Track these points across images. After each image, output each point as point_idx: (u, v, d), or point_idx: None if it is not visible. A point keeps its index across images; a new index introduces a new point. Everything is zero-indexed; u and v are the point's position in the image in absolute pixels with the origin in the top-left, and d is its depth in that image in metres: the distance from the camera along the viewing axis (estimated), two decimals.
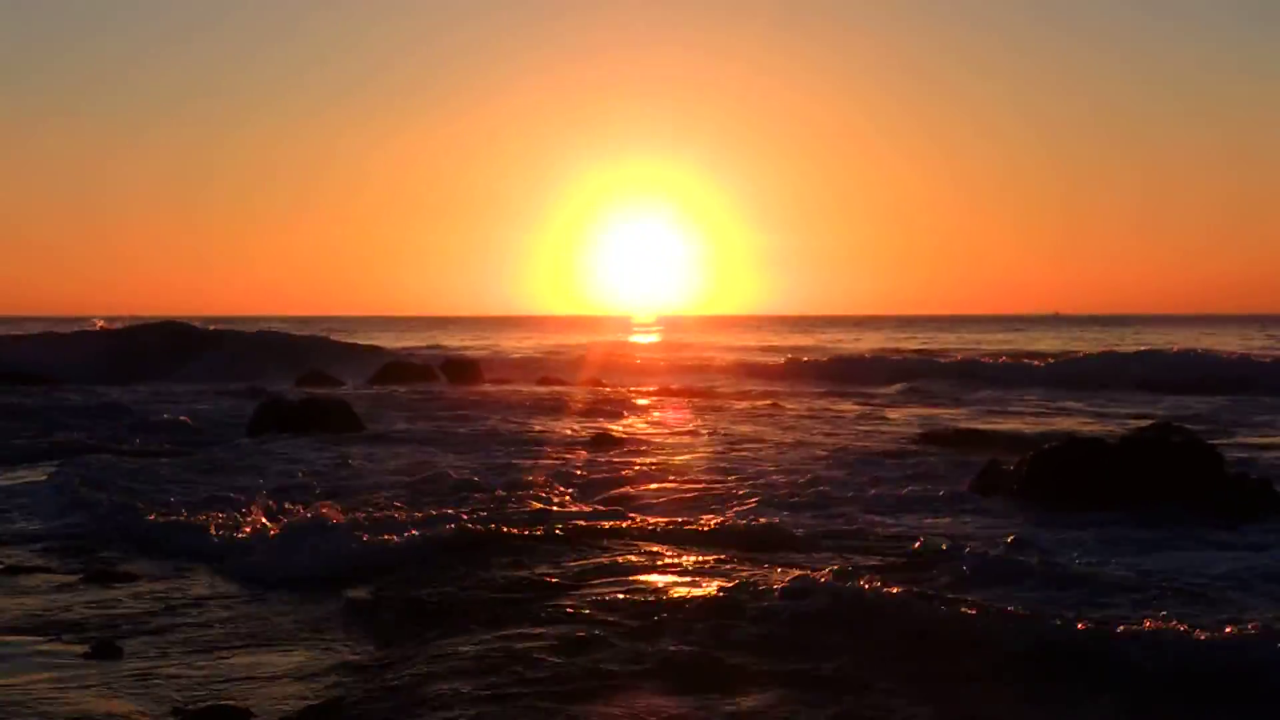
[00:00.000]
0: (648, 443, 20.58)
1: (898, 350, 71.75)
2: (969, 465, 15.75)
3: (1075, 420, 26.16)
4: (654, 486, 14.97)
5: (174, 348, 48.30)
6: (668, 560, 10.21)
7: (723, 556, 10.39)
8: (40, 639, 8.47)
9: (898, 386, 38.90)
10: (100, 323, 53.97)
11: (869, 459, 17.70)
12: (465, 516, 12.11)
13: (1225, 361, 44.49)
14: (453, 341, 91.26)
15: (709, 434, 22.28)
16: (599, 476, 15.89)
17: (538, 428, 23.36)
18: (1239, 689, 6.80)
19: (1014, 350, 66.47)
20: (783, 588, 8.52)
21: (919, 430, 22.38)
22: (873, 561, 10.30)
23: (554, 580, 9.46)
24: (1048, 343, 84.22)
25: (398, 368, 43.26)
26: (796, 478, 15.37)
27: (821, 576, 8.68)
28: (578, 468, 16.81)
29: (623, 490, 14.73)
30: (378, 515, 12.27)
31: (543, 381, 40.20)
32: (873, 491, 14.49)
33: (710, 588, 8.91)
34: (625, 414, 27.20)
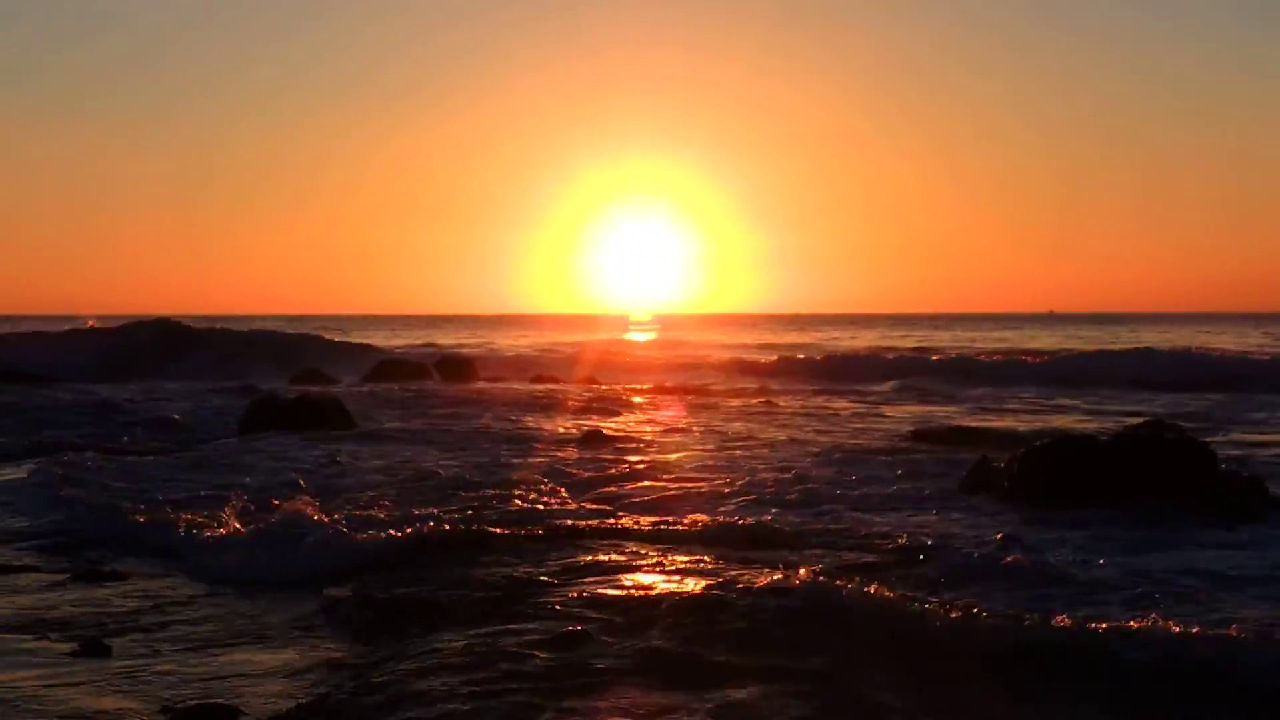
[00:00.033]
0: (640, 441, 20.55)
1: (892, 348, 71.72)
2: (960, 463, 15.72)
3: (1069, 418, 26.11)
4: (644, 484, 14.95)
5: (165, 346, 48.19)
6: (655, 558, 10.20)
7: (711, 554, 10.40)
8: (28, 637, 8.48)
9: (891, 384, 38.87)
10: (91, 321, 53.89)
11: (861, 456, 17.68)
12: (454, 515, 12.11)
13: (1220, 359, 44.53)
14: (447, 339, 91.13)
15: (701, 432, 22.26)
16: (590, 474, 15.86)
17: (530, 426, 23.33)
18: (1226, 688, 6.79)
19: (1008, 348, 66.45)
20: (768, 585, 8.49)
21: (911, 428, 22.36)
22: (860, 559, 10.31)
23: (541, 578, 9.46)
24: (1042, 340, 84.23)
25: (391, 365, 43.15)
26: (787, 475, 15.36)
27: (807, 575, 8.66)
28: (569, 466, 16.78)
29: (613, 488, 14.70)
30: (364, 513, 12.30)
31: (537, 380, 40.14)
32: (863, 489, 14.48)
33: (697, 585, 8.89)
34: (618, 412, 27.17)
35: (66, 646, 8.20)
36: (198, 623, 8.94)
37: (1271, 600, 8.94)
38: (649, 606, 8.38)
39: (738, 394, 33.77)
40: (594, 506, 13.24)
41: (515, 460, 17.51)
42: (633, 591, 8.87)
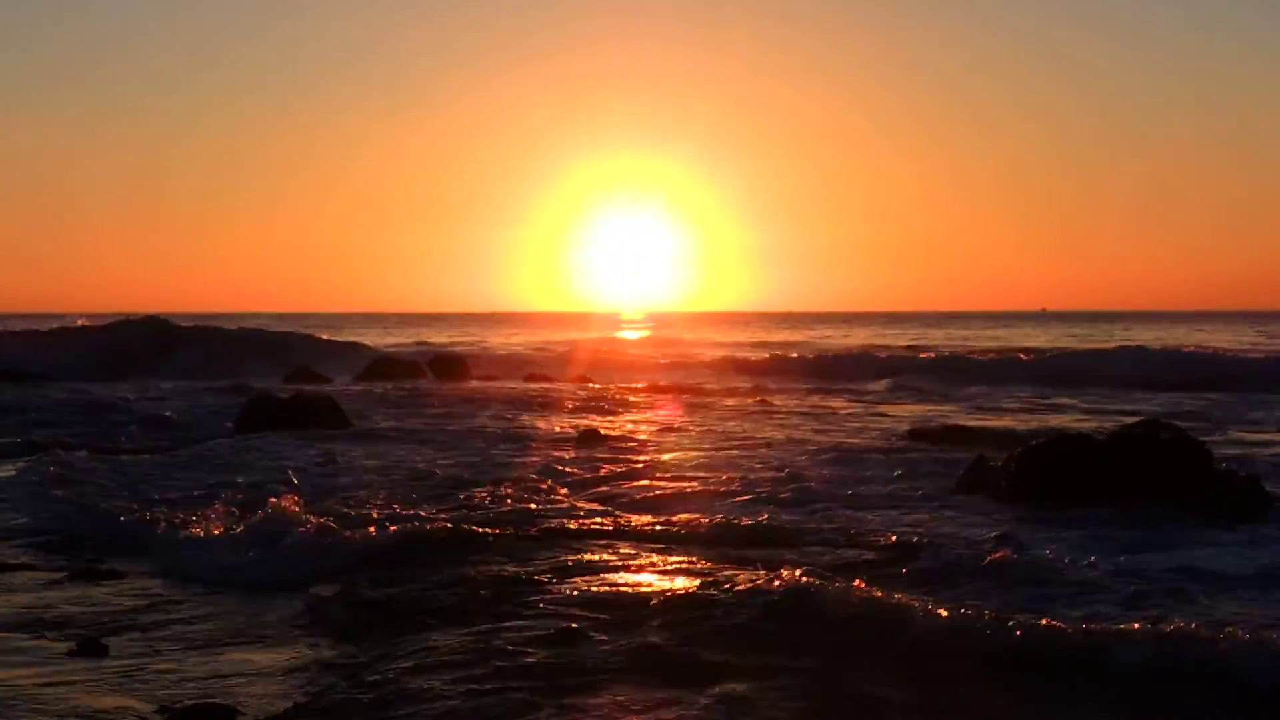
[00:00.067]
0: (635, 440, 20.53)
1: (886, 346, 71.73)
2: (956, 462, 15.70)
3: (1065, 417, 26.09)
4: (640, 484, 14.93)
5: (156, 344, 48.08)
6: (650, 557, 10.21)
7: (707, 553, 10.41)
8: (25, 636, 8.48)
9: (886, 382, 38.84)
10: (81, 320, 53.73)
11: (857, 455, 17.65)
12: (449, 514, 12.09)
13: (1217, 358, 44.46)
14: (439, 338, 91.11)
15: (697, 431, 22.27)
16: (585, 474, 15.85)
17: (524, 425, 23.32)
18: (1222, 689, 6.77)
19: (1003, 346, 66.48)
20: (762, 584, 8.50)
21: (907, 426, 22.34)
22: (856, 558, 10.31)
23: (535, 577, 9.45)
24: (1037, 339, 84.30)
25: (385, 364, 43.13)
26: (783, 474, 15.33)
27: (799, 574, 8.64)
28: (565, 465, 16.75)
29: (609, 488, 14.68)
30: (358, 512, 12.28)
31: (530, 378, 40.14)
32: (859, 488, 14.46)
33: (692, 584, 8.90)
34: (613, 411, 27.15)
35: (63, 645, 8.19)
36: (193, 622, 8.93)
37: (1269, 601, 8.92)
38: (644, 605, 8.38)
39: (732, 393, 33.75)
40: (590, 506, 13.22)
41: (511, 460, 17.50)
42: (627, 590, 8.87)
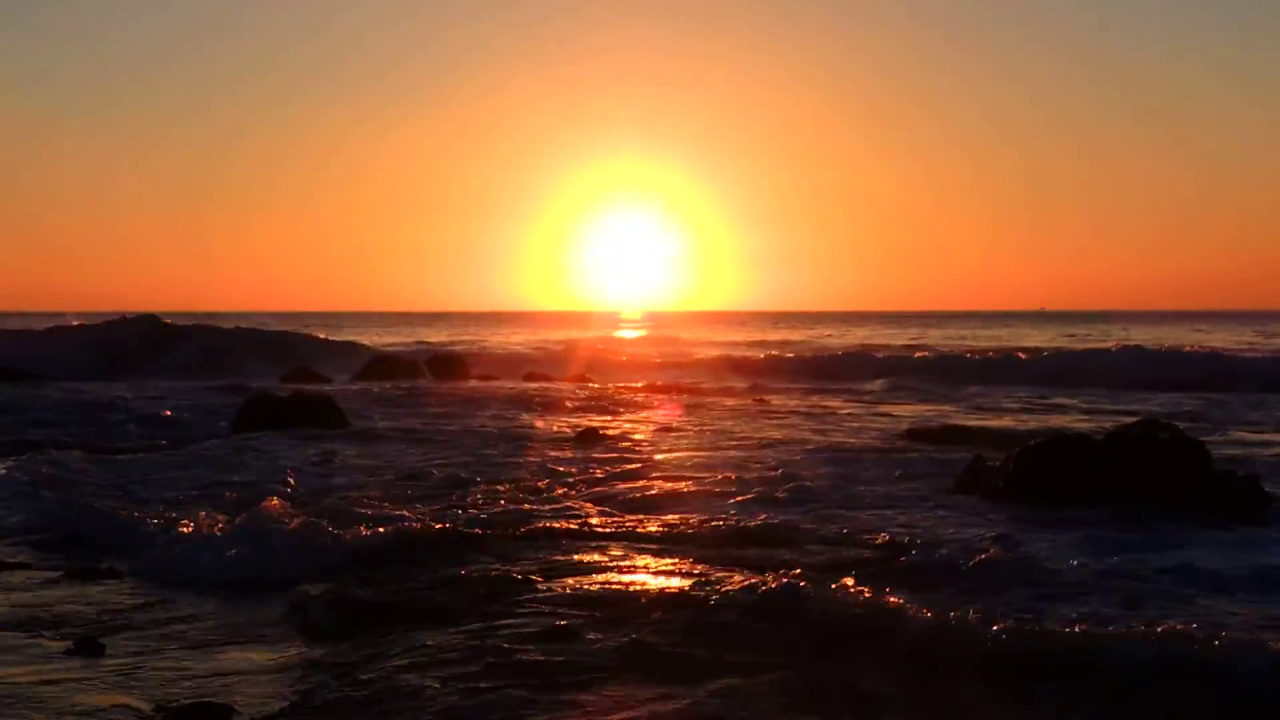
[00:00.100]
0: (632, 439, 20.51)
1: (883, 345, 71.68)
2: (955, 462, 15.68)
3: (1064, 417, 26.04)
4: (639, 484, 14.89)
5: (152, 343, 47.96)
6: (645, 557, 10.20)
7: (702, 553, 10.40)
8: (21, 635, 8.48)
9: (883, 382, 38.79)
10: (77, 321, 53.60)
11: (853, 455, 17.63)
12: (445, 514, 12.08)
13: (1215, 358, 44.37)
14: (439, 337, 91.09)
15: (695, 430, 22.22)
16: (582, 473, 15.84)
17: (522, 424, 23.30)
18: (1216, 690, 6.74)
19: (1001, 346, 66.42)
20: (754, 583, 8.50)
21: (904, 426, 22.31)
22: (850, 557, 10.28)
23: (529, 576, 9.41)
24: (1035, 339, 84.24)
25: (383, 363, 43.08)
26: (779, 474, 15.30)
27: (792, 574, 8.65)
28: (563, 465, 16.74)
29: (605, 488, 14.65)
30: (355, 512, 12.28)
31: (529, 377, 40.11)
32: (857, 488, 14.44)
33: (686, 583, 8.90)
34: (612, 410, 27.10)
35: (60, 644, 8.19)
36: (189, 621, 8.92)
37: (1266, 602, 8.90)
38: (638, 603, 8.38)
39: (730, 392, 33.73)
40: (587, 506, 13.22)
41: (509, 460, 17.47)
42: (621, 589, 8.86)
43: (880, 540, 10.92)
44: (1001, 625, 7.49)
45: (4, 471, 15.53)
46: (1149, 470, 13.06)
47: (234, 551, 10.60)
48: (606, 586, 8.97)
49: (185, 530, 11.27)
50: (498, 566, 9.74)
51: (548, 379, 39.11)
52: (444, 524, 11.44)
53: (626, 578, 9.33)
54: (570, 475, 15.64)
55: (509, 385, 35.93)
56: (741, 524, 11.68)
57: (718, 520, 11.94)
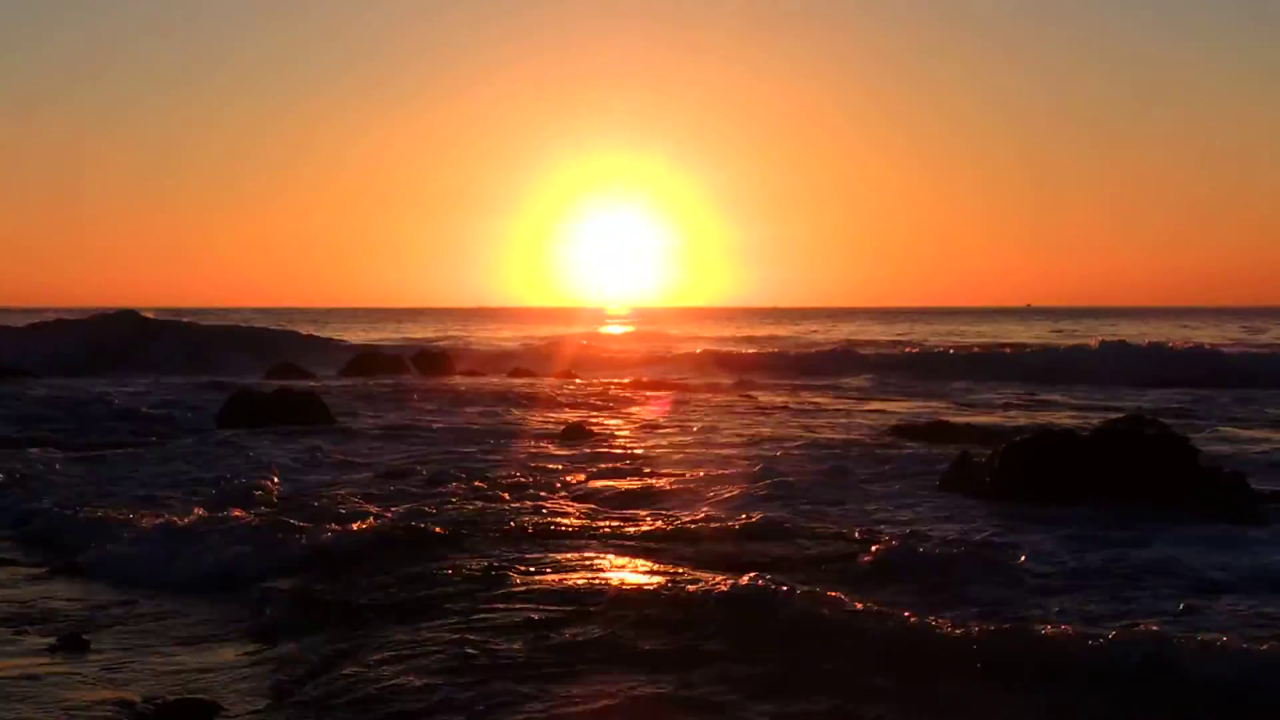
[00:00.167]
0: (618, 435, 20.51)
1: (871, 342, 71.79)
2: (942, 458, 15.65)
3: (1052, 413, 26.03)
4: (621, 480, 14.89)
5: (134, 340, 47.83)
6: (623, 553, 10.17)
7: (680, 549, 10.40)
8: (6, 631, 8.51)
9: (871, 378, 38.81)
10: (52, 318, 53.40)
11: (839, 451, 17.59)
12: (428, 510, 12.06)
13: (1202, 354, 44.36)
14: (423, 333, 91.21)
15: (680, 426, 22.21)
16: (566, 469, 15.82)
17: (507, 420, 23.29)
18: (1191, 692, 6.63)
19: (989, 342, 66.58)
20: (733, 581, 8.48)
21: (892, 423, 22.26)
22: (830, 555, 10.23)
23: (505, 573, 9.32)
24: (1023, 335, 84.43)
25: (368, 360, 43.05)
26: (764, 471, 15.24)
27: (760, 576, 8.60)
28: (545, 461, 16.72)
29: (589, 484, 14.64)
30: (337, 509, 12.29)
31: (514, 373, 40.09)
32: (841, 484, 14.43)
33: (662, 579, 8.87)
34: (596, 406, 27.10)
35: (45, 641, 8.21)
36: (170, 617, 8.94)
37: (1249, 601, 8.84)
38: (618, 599, 8.35)
39: (717, 388, 33.72)
40: (569, 501, 13.21)
41: (493, 456, 17.44)
42: (603, 585, 8.82)
43: (864, 537, 10.85)
44: (980, 625, 7.45)
45: None
46: (1135, 467, 13.03)
47: (208, 548, 10.56)
48: (587, 582, 8.91)
49: (159, 527, 11.22)
50: (476, 563, 9.67)
51: (533, 375, 39.11)
52: (422, 521, 11.40)
53: (607, 575, 9.28)
54: (555, 471, 15.60)
55: (494, 381, 35.92)
56: (726, 521, 11.62)
57: (701, 517, 11.91)
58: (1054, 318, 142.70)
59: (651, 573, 9.25)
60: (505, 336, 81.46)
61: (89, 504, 12.89)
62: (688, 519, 11.75)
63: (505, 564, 9.58)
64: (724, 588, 8.33)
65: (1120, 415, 16.47)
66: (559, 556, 9.92)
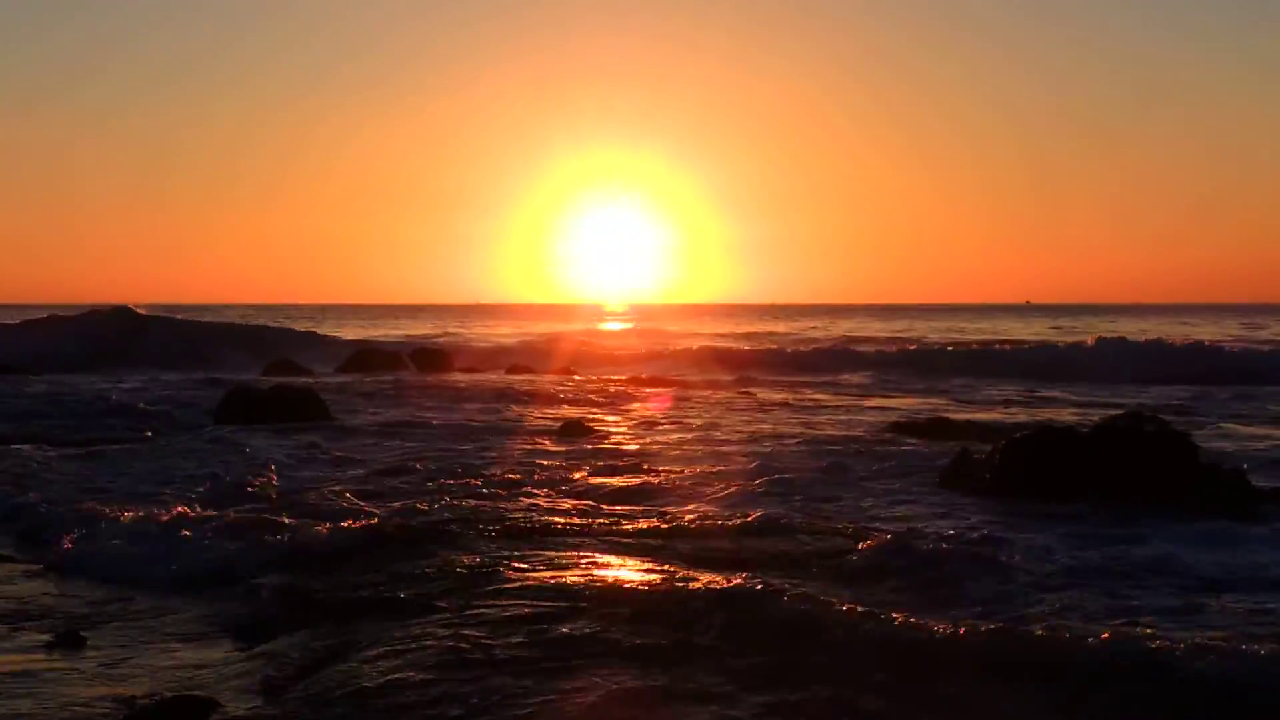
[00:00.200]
0: (616, 433, 20.48)
1: (870, 339, 71.79)
2: (942, 455, 15.61)
3: (1052, 410, 26.01)
4: (618, 478, 14.85)
5: (129, 335, 47.76)
6: (619, 550, 10.14)
7: (676, 547, 10.36)
8: (4, 627, 8.54)
9: (871, 375, 38.77)
10: (45, 314, 53.34)
11: (838, 448, 17.55)
12: (421, 507, 12.01)
13: (1201, 350, 44.34)
14: (421, 329, 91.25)
15: (679, 423, 22.16)
16: (563, 466, 15.78)
17: (505, 417, 23.24)
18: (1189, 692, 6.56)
19: (988, 339, 66.55)
20: (726, 579, 8.48)
21: (891, 419, 22.19)
22: (830, 552, 10.20)
23: (500, 570, 9.29)
24: (1022, 331, 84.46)
25: (366, 356, 43.01)
26: (764, 468, 15.25)
27: (753, 576, 8.59)
28: (545, 458, 16.68)
29: (586, 481, 14.61)
30: (333, 506, 12.29)
31: (512, 370, 40.01)
32: (840, 482, 14.43)
33: (657, 577, 8.85)
34: (596, 403, 27.05)
35: (42, 637, 8.23)
36: (167, 614, 8.94)
37: (1246, 599, 8.80)
38: (617, 595, 8.33)
39: (715, 385, 33.65)
40: (565, 499, 13.16)
41: (491, 453, 17.41)
42: (600, 581, 8.81)
43: (862, 534, 10.80)
44: (977, 624, 7.43)
45: None
46: (1135, 464, 13.01)
47: (204, 545, 10.56)
48: (584, 579, 8.89)
49: (149, 524, 11.23)
50: (473, 559, 9.65)
51: (531, 372, 39.05)
52: (418, 518, 11.40)
53: (604, 571, 9.25)
54: (553, 468, 15.55)
55: (492, 378, 35.87)
56: (724, 518, 11.61)
57: (700, 514, 11.89)
58: (1053, 314, 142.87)
59: (649, 570, 9.22)
60: (503, 333, 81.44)
61: (84, 501, 12.84)
62: (686, 516, 11.73)
63: (502, 560, 9.55)
64: (720, 584, 8.32)
65: (1121, 412, 16.44)
66: (555, 553, 9.90)
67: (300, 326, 69.59)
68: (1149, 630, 7.33)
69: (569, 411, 24.16)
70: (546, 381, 33.85)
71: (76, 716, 6.67)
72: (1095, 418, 18.15)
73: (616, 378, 35.66)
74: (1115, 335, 48.25)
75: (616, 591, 8.42)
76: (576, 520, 11.54)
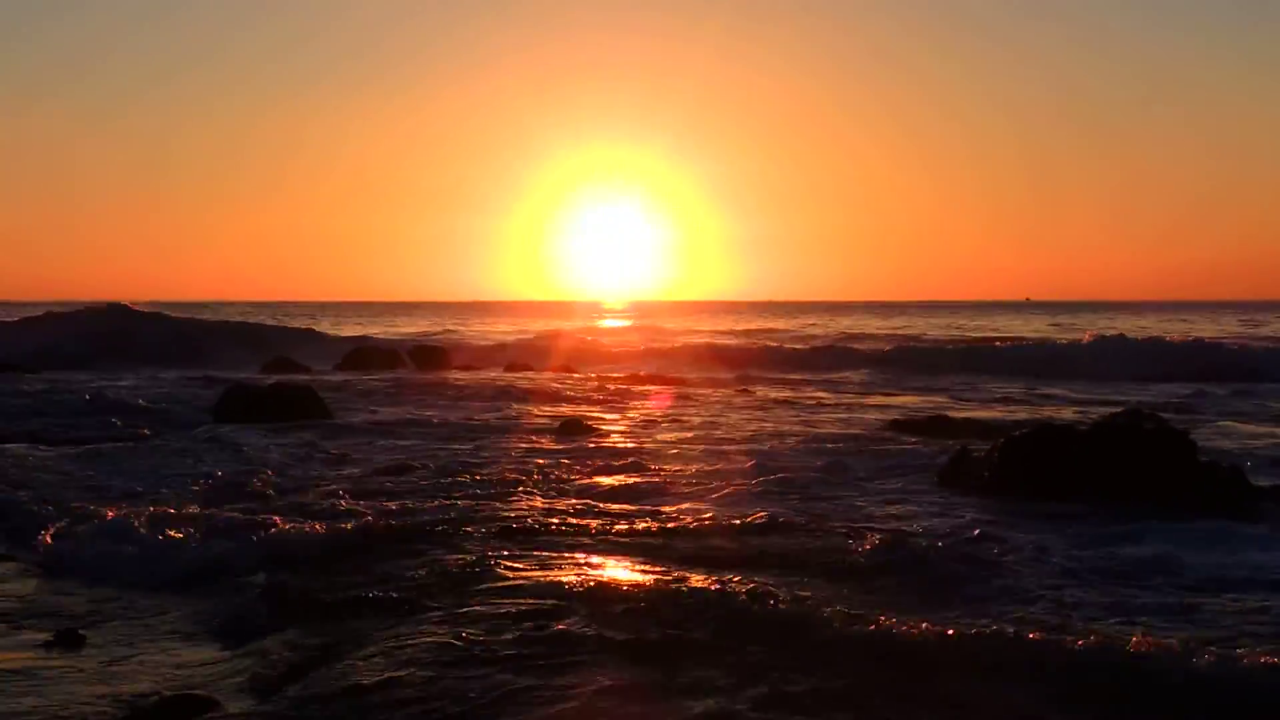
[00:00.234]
0: (614, 431, 20.47)
1: (870, 335, 71.78)
2: (940, 453, 15.60)
3: (1052, 407, 26.00)
4: (616, 476, 14.82)
5: (125, 333, 47.65)
6: (614, 550, 10.14)
7: (678, 545, 10.35)
8: (3, 626, 8.55)
9: (869, 372, 38.76)
10: (38, 312, 53.30)
11: (839, 446, 17.54)
12: (419, 506, 12.02)
13: (1200, 347, 44.38)
14: (419, 326, 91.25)
15: (677, 421, 22.14)
16: (561, 464, 15.76)
17: (503, 415, 23.20)
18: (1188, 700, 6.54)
19: (988, 336, 66.54)
20: (723, 580, 8.47)
21: (890, 417, 22.16)
22: (826, 551, 10.17)
23: (495, 569, 9.29)
24: (1021, 328, 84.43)
25: (364, 354, 43.00)
26: (763, 467, 15.22)
27: (761, 572, 8.54)
28: (543, 456, 16.65)
29: (583, 479, 14.58)
30: (329, 504, 12.27)
31: (511, 367, 39.96)
32: (838, 480, 14.42)
33: (651, 577, 8.85)
34: (594, 401, 27.04)
35: (41, 636, 8.23)
36: (165, 613, 8.94)
37: (1242, 599, 8.76)
38: (614, 594, 8.33)
39: (714, 383, 33.61)
40: (564, 498, 13.13)
41: (488, 451, 17.40)
42: (598, 579, 8.80)
43: (860, 533, 10.78)
44: (971, 624, 7.44)
45: None
46: (1134, 462, 13.01)
47: (201, 543, 10.55)
48: (582, 578, 8.89)
49: (146, 523, 11.18)
50: (469, 559, 9.63)
51: (530, 369, 38.99)
52: (415, 516, 11.38)
53: (600, 571, 9.26)
54: (550, 467, 15.52)
55: (491, 375, 35.84)
56: (722, 517, 11.60)
57: (698, 512, 11.88)
58: (1052, 312, 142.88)
59: (646, 568, 9.21)
60: (502, 330, 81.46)
61: (82, 499, 12.81)
62: (684, 515, 11.72)
63: (498, 559, 9.55)
64: (716, 582, 8.34)
65: (1120, 410, 16.41)
66: (554, 552, 9.91)
67: (298, 324, 69.67)
68: (1147, 629, 7.30)
69: (568, 410, 24.14)
70: (545, 379, 33.83)
71: (77, 715, 6.66)
72: (1094, 415, 18.12)
73: (615, 375, 35.61)
74: (1114, 333, 48.28)
75: (614, 590, 8.41)
76: (575, 519, 11.52)
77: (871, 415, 23.55)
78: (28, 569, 10.29)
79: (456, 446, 17.90)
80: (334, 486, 13.70)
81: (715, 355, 49.66)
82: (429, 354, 43.79)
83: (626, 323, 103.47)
